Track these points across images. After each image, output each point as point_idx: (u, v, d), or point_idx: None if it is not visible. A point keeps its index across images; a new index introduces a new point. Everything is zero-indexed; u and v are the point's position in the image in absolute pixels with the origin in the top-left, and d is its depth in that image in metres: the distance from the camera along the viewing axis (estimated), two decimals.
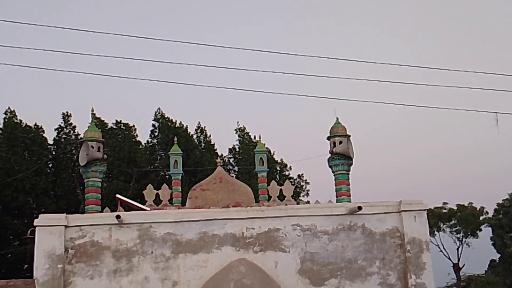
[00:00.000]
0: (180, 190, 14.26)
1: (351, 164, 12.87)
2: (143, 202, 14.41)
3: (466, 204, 41.22)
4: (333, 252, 11.26)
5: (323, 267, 11.20)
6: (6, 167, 26.63)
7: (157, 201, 14.15)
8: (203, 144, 31.67)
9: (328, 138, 13.09)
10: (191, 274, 11.01)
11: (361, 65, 15.65)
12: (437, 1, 64.27)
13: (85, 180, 12.56)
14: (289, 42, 55.80)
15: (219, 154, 31.71)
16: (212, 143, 32.11)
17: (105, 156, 12.82)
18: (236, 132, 33.27)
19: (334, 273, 11.19)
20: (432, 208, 37.28)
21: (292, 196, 13.75)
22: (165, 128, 30.95)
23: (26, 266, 24.69)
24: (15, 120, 28.92)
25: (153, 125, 31.71)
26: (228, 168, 31.05)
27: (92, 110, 14.56)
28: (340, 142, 12.82)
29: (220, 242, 11.20)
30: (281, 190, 13.84)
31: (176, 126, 31.17)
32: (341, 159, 12.69)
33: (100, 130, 13.62)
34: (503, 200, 41.23)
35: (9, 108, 29.25)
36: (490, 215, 41.37)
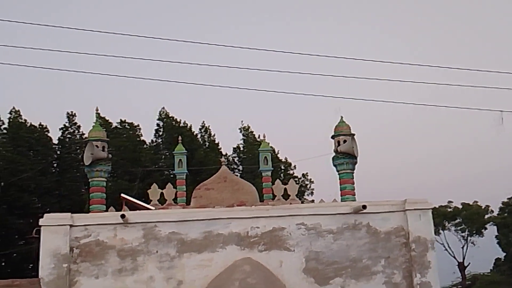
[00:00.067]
0: (185, 189, 14.29)
1: (356, 163, 12.87)
2: (148, 201, 14.44)
3: (471, 203, 41.18)
4: (337, 251, 11.24)
5: (327, 266, 11.18)
6: (11, 166, 26.73)
7: (162, 200, 14.18)
8: (207, 144, 31.73)
9: (333, 137, 13.09)
10: (196, 273, 11.02)
11: (364, 64, 15.62)
12: (439, 0, 64.15)
13: (89, 180, 12.58)
14: (292, 41, 55.81)
15: (224, 153, 31.76)
16: (216, 142, 32.16)
17: (110, 155, 12.84)
18: (241, 131, 33.33)
19: (339, 272, 11.17)
20: (437, 207, 37.23)
21: (296, 195, 13.77)
22: (170, 128, 31.01)
23: (31, 265, 24.75)
24: (20, 120, 29.03)
25: (158, 125, 31.78)
26: (232, 167, 31.09)
27: (97, 110, 14.61)
28: (345, 141, 12.81)
29: (224, 241, 11.20)
30: (285, 189, 13.85)
31: (181, 125, 31.23)
32: (345, 158, 12.69)
33: (104, 129, 13.66)
34: (508, 198, 41.13)
35: (13, 108, 29.39)
36: (495, 213, 41.30)
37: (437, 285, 11.23)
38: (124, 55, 14.63)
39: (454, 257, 39.93)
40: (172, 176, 17.32)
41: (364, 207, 11.24)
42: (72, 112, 30.23)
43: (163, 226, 11.20)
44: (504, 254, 40.54)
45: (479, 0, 63.55)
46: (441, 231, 39.74)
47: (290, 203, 12.54)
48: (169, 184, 14.16)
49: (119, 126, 30.63)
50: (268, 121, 47.63)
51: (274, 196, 14.07)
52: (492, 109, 16.16)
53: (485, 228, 41.00)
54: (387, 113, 58.95)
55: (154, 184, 14.40)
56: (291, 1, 63.40)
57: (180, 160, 14.49)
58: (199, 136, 31.94)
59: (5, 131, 29.00)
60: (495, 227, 40.80)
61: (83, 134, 28.33)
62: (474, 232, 40.67)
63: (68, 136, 29.89)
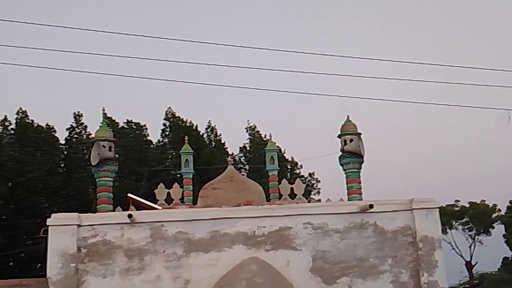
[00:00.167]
0: (191, 189, 14.32)
1: (362, 162, 12.85)
2: (155, 201, 14.47)
3: (478, 202, 41.01)
4: (344, 251, 11.23)
5: (334, 266, 11.17)
6: (18, 167, 26.85)
7: (169, 200, 14.20)
8: (213, 143, 31.76)
9: (339, 136, 13.07)
10: (203, 273, 11.03)
11: (370, 64, 15.61)
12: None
13: (96, 180, 12.62)
14: (298, 41, 55.68)
15: (230, 152, 31.78)
16: (223, 142, 32.19)
17: (117, 155, 12.87)
18: (247, 131, 33.33)
19: (346, 272, 11.16)
20: (444, 205, 37.09)
21: (303, 195, 13.77)
22: (176, 127, 31.06)
23: (39, 265, 24.83)
24: (27, 121, 29.15)
25: (164, 125, 31.83)
26: (238, 166, 31.10)
27: (103, 110, 14.64)
28: (351, 140, 12.80)
29: (231, 240, 11.21)
30: (292, 188, 13.85)
31: (187, 125, 31.28)
32: (352, 157, 12.67)
33: (111, 129, 13.68)
34: None
35: (20, 108, 29.50)
36: (502, 212, 41.12)
37: (444, 284, 11.20)
38: (130, 55, 14.67)
39: (462, 256, 39.81)
40: (178, 175, 17.35)
41: (371, 206, 11.23)
42: (79, 112, 30.34)
43: (170, 225, 11.23)
44: None
45: None
46: (448, 230, 39.59)
47: (297, 203, 12.54)
48: (175, 183, 14.18)
49: (125, 126, 30.71)
50: (274, 120, 47.58)
51: (281, 195, 14.07)
52: (499, 108, 16.12)
53: (493, 227, 40.83)
54: (393, 112, 58.82)
55: (161, 183, 14.43)
56: (297, 1, 63.37)
57: (187, 159, 14.52)
58: (205, 135, 31.98)
59: (12, 132, 29.13)
60: (502, 226, 40.62)
61: (90, 134, 28.42)
62: (482, 231, 40.51)
63: (75, 136, 29.99)
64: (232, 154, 31.94)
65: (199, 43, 14.85)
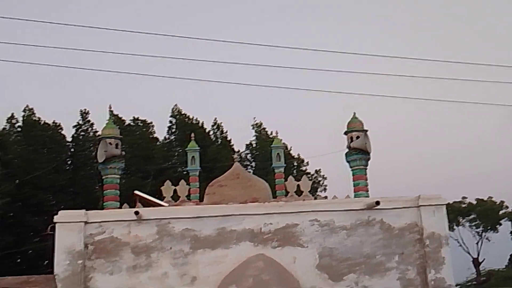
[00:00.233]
0: (198, 186, 14.29)
1: (369, 159, 12.82)
2: (161, 198, 14.46)
3: (485, 199, 40.90)
4: (351, 247, 11.22)
5: (341, 263, 11.16)
6: (26, 164, 26.96)
7: (175, 197, 14.19)
8: (219, 140, 31.77)
9: (345, 133, 13.05)
10: (210, 270, 11.05)
11: (377, 61, 15.58)
12: None
13: (103, 177, 12.64)
14: (305, 38, 55.64)
15: (236, 150, 31.80)
16: (229, 139, 32.19)
17: (123, 153, 12.88)
18: (253, 128, 33.33)
19: (353, 268, 11.15)
20: (451, 202, 37.02)
21: (309, 192, 13.72)
22: (182, 125, 31.10)
23: (46, 262, 24.92)
24: (34, 118, 29.24)
25: (170, 122, 31.88)
26: (245, 164, 31.12)
27: (110, 108, 14.66)
28: (357, 137, 12.76)
29: (238, 237, 11.22)
30: (298, 185, 13.81)
31: (193, 122, 31.30)
32: (358, 154, 12.64)
33: (117, 127, 13.68)
34: None
35: (27, 106, 29.60)
36: (509, 209, 40.99)
37: (451, 281, 11.17)
38: (137, 53, 14.70)
39: (469, 253, 39.75)
40: (185, 173, 17.35)
41: (378, 203, 11.21)
42: (85, 110, 30.42)
43: (176, 222, 11.25)
44: None
45: None
46: (455, 227, 39.52)
47: (303, 200, 12.51)
48: (182, 181, 14.17)
49: (132, 123, 30.78)
50: (280, 117, 47.54)
51: (287, 192, 14.02)
52: (507, 104, 16.06)
53: (500, 224, 40.72)
54: (400, 109, 58.73)
55: (167, 181, 14.41)
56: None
57: (193, 157, 14.49)
58: (211, 133, 32.00)
59: (19, 129, 29.22)
60: (509, 223, 40.51)
61: (97, 131, 28.50)
62: (489, 228, 40.41)
63: (82, 133, 30.07)
64: (239, 151, 31.96)
65: (205, 41, 14.87)
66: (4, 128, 28.88)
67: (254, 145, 32.69)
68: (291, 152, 31.32)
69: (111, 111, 15.60)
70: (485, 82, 16.51)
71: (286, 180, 13.89)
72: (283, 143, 15.24)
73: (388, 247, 11.26)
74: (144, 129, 30.76)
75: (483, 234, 40.48)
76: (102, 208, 12.34)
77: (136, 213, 11.13)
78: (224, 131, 32.39)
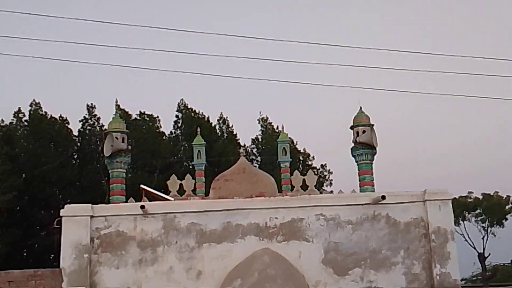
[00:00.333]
0: (204, 181, 14.31)
1: (375, 153, 12.80)
2: (167, 192, 14.50)
3: (491, 194, 40.74)
4: (357, 242, 11.23)
5: (347, 257, 11.18)
6: (32, 159, 27.04)
7: (181, 191, 14.22)
8: (225, 135, 31.76)
9: (352, 128, 13.03)
10: (215, 264, 11.08)
11: (384, 55, 15.53)
12: None
13: (110, 171, 12.68)
14: (311, 32, 55.51)
15: (242, 144, 31.77)
16: (235, 133, 32.17)
17: (130, 147, 12.91)
18: (259, 122, 33.29)
19: (358, 263, 11.16)
20: (457, 197, 36.89)
21: (315, 186, 13.71)
22: (189, 119, 31.08)
23: (53, 256, 25.06)
24: (40, 113, 29.28)
25: (177, 116, 31.85)
26: (251, 158, 31.10)
27: (116, 102, 14.70)
28: (364, 132, 12.75)
29: (243, 232, 11.25)
30: (304, 180, 13.81)
31: (199, 117, 31.29)
32: (364, 149, 12.63)
33: (124, 121, 13.72)
34: None
35: (34, 100, 29.64)
36: None
37: (457, 276, 11.17)
38: (143, 47, 14.72)
39: (475, 248, 39.58)
40: (191, 167, 17.38)
41: (384, 198, 11.20)
42: (92, 104, 30.42)
43: (182, 217, 11.28)
44: None
45: None
46: (461, 222, 39.38)
47: (309, 194, 12.51)
48: (188, 175, 14.20)
49: (138, 117, 30.78)
50: (286, 112, 47.50)
51: (293, 187, 14.03)
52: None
53: (506, 219, 40.54)
54: (406, 103, 58.58)
55: (173, 175, 14.45)
56: None
57: (199, 151, 14.51)
58: (217, 127, 31.98)
59: (26, 124, 29.29)
60: None
61: (103, 126, 28.51)
62: (495, 223, 40.24)
63: (88, 128, 30.09)
64: (244, 145, 31.92)
65: (212, 35, 14.86)
66: (11, 123, 28.94)
67: (260, 140, 32.65)
68: (297, 146, 31.27)
69: (117, 106, 15.64)
70: (493, 76, 16.44)
71: (292, 174, 13.89)
72: (289, 138, 15.25)
73: (393, 242, 11.26)
74: (151, 124, 30.77)
75: (489, 229, 40.34)
76: (109, 202, 12.39)
77: (142, 207, 11.17)
78: (230, 126, 32.39)
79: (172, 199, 13.29)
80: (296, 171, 14.34)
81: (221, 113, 32.59)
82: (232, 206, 11.42)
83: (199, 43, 16.94)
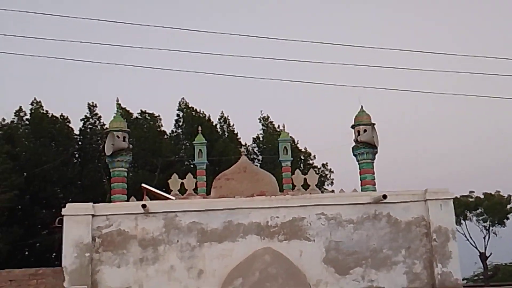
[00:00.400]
0: (205, 180, 14.31)
1: (376, 152, 12.80)
2: (168, 191, 14.51)
3: (493, 193, 40.71)
4: (358, 241, 11.23)
5: (348, 256, 11.18)
6: (34, 157, 27.06)
7: (182, 190, 14.23)
8: (226, 134, 31.75)
9: (353, 127, 13.03)
10: (217, 263, 11.09)
11: (385, 53, 15.53)
12: None
13: (111, 170, 12.68)
14: (312, 31, 55.50)
15: (243, 143, 31.76)
16: (236, 132, 32.17)
17: (131, 146, 12.92)
18: (260, 121, 33.28)
19: (359, 262, 11.16)
20: (459, 196, 36.87)
21: (316, 185, 13.72)
22: (190, 118, 31.08)
23: (54, 255, 25.10)
24: (41, 111, 29.29)
25: (178, 115, 31.85)
26: (252, 157, 31.08)
27: (117, 101, 14.71)
28: (365, 131, 12.75)
29: (245, 231, 11.25)
30: (305, 179, 13.81)
31: (200, 116, 31.29)
32: (365, 148, 12.63)
33: (125, 120, 13.73)
34: None
35: (35, 99, 29.65)
36: None
37: (458, 275, 11.17)
38: (144, 46, 14.72)
39: (476, 248, 39.56)
40: (192, 166, 17.41)
41: (385, 197, 11.20)
42: (93, 103, 30.41)
43: (184, 216, 11.28)
44: None
45: None
46: (462, 221, 39.35)
47: (310, 193, 12.52)
48: (189, 174, 14.21)
49: (139, 116, 30.79)
50: (287, 111, 47.51)
51: (294, 186, 14.04)
52: None
53: (507, 218, 40.51)
54: (407, 102, 58.56)
55: (175, 174, 14.45)
56: None
57: (200, 150, 14.51)
58: (218, 126, 31.98)
59: (27, 122, 29.31)
60: None
61: (104, 124, 28.51)
62: (496, 222, 40.20)
63: (89, 127, 30.10)
64: (245, 144, 31.91)
65: (212, 34, 14.86)
66: (12, 121, 28.96)
67: (261, 139, 32.64)
68: (298, 145, 31.26)
69: (118, 104, 15.65)
70: (494, 75, 16.42)
71: (293, 173, 13.90)
72: (290, 137, 15.23)
73: (395, 241, 11.26)
74: (152, 123, 30.77)
75: (491, 228, 40.31)
76: (110, 201, 12.39)
77: (143, 206, 11.17)
78: (231, 125, 32.38)
79: (173, 198, 13.30)
80: (297, 170, 14.34)
81: (222, 112, 32.59)
82: (233, 205, 11.42)
83: (200, 42, 16.93)
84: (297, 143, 31.22)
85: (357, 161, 12.85)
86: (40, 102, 29.57)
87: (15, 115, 29.29)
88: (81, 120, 30.05)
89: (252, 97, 51.67)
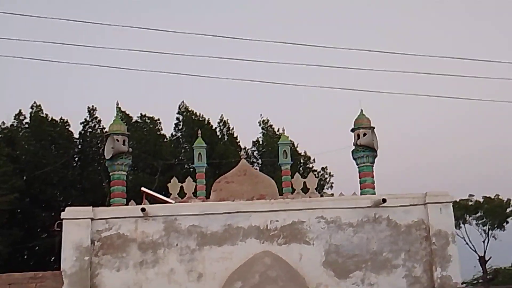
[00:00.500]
0: (204, 183, 14.36)
1: (376, 156, 12.83)
2: (168, 194, 14.53)
3: (492, 196, 40.72)
4: (358, 245, 11.22)
5: (348, 259, 11.17)
6: (34, 160, 27.09)
7: (182, 193, 14.25)
8: (226, 137, 31.79)
9: (352, 130, 13.05)
10: (216, 266, 11.08)
11: (385, 57, 15.54)
12: None
13: (110, 173, 12.70)
14: (311, 34, 55.52)
15: (243, 147, 31.80)
16: (235, 136, 32.21)
17: (130, 149, 12.95)
18: (260, 125, 33.32)
19: (359, 265, 11.15)
20: (458, 200, 36.85)
21: (316, 189, 13.77)
22: (189, 121, 31.13)
23: (53, 258, 25.08)
24: (41, 115, 29.33)
25: (177, 118, 31.89)
26: (251, 160, 31.12)
27: (117, 104, 14.77)
28: (365, 134, 12.78)
29: (244, 234, 11.24)
30: (304, 182, 13.85)
31: (200, 119, 31.32)
32: (365, 151, 12.66)
33: (125, 123, 13.78)
34: None
35: (35, 102, 29.69)
36: None
37: (458, 279, 11.15)
38: (144, 49, 14.74)
39: (475, 251, 39.53)
40: (192, 169, 17.41)
41: (384, 200, 11.20)
42: (93, 106, 30.48)
43: (183, 219, 11.27)
44: None
45: None
46: (462, 225, 39.33)
47: (310, 197, 12.54)
48: (189, 177, 14.25)
49: (139, 120, 30.83)
50: (287, 114, 47.53)
51: (294, 189, 14.07)
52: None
53: (507, 222, 40.50)
54: (407, 106, 58.56)
55: (174, 177, 14.49)
56: None
57: (200, 153, 14.57)
58: (218, 130, 32.02)
59: (27, 126, 29.35)
60: None
61: (104, 128, 28.54)
62: (496, 226, 40.20)
63: (89, 130, 30.15)
64: (245, 148, 31.96)
65: (212, 37, 14.88)
66: (12, 125, 29.02)
67: (261, 142, 32.68)
68: (297, 149, 31.29)
69: (118, 108, 15.69)
70: (495, 79, 16.46)
71: (292, 177, 13.94)
72: (290, 140, 15.28)
73: (394, 244, 11.25)
74: (151, 126, 30.81)
75: (490, 232, 40.30)
76: (110, 204, 12.40)
77: (143, 210, 11.17)
78: (231, 128, 32.42)
79: (173, 201, 13.31)
80: (297, 173, 14.39)
81: (222, 115, 32.64)
82: (233, 208, 11.41)
83: (200, 46, 16.95)
84: (297, 146, 31.26)
85: (357, 164, 12.87)
86: (40, 105, 29.62)
87: (15, 119, 29.34)
88: (81, 123, 30.10)
89: (252, 101, 51.67)
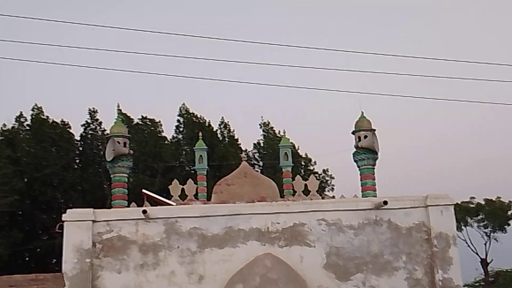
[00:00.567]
0: (205, 185, 14.35)
1: (377, 158, 12.82)
2: (169, 197, 14.53)
3: (494, 199, 40.69)
4: (358, 247, 11.21)
5: (348, 262, 11.16)
6: (35, 162, 27.11)
7: (183, 196, 14.24)
8: (227, 139, 31.79)
9: (353, 133, 13.05)
10: (217, 268, 11.07)
11: (386, 59, 15.55)
12: None
13: (111, 175, 12.70)
14: (312, 36, 55.57)
15: (244, 149, 31.78)
16: (236, 138, 32.21)
17: (131, 151, 12.95)
18: (261, 127, 33.32)
19: (360, 268, 11.14)
20: (459, 202, 36.81)
21: (317, 191, 13.75)
22: (190, 124, 31.13)
23: (55, 260, 25.08)
24: (42, 117, 29.36)
25: (178, 121, 31.90)
26: (252, 163, 31.10)
27: (118, 106, 14.77)
28: (365, 137, 12.78)
29: (245, 236, 11.23)
30: (306, 184, 13.84)
31: (201, 121, 31.34)
32: (366, 154, 12.65)
33: (126, 125, 13.79)
34: None
35: (36, 104, 29.71)
36: None
37: (459, 282, 11.14)
38: (144, 51, 14.75)
39: (477, 254, 39.50)
40: (193, 171, 17.40)
41: (385, 202, 11.19)
42: (93, 108, 30.50)
43: (184, 221, 11.27)
44: None
45: None
46: (463, 227, 39.31)
47: (311, 199, 12.53)
48: (190, 179, 14.24)
49: (140, 122, 30.84)
50: (288, 116, 47.53)
51: (295, 191, 14.06)
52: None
53: (508, 224, 40.47)
54: (408, 108, 58.56)
55: (175, 179, 14.49)
56: None
57: (201, 155, 14.56)
58: (218, 132, 32.02)
59: (28, 128, 29.37)
60: None
61: (105, 130, 28.55)
62: (497, 228, 40.17)
63: (90, 132, 30.16)
64: (246, 150, 31.93)
65: (212, 39, 14.87)
66: (13, 127, 29.05)
67: (261, 144, 32.67)
68: (298, 151, 31.28)
69: (119, 110, 15.70)
70: (496, 82, 16.45)
71: (293, 179, 13.93)
72: (291, 142, 15.28)
73: (395, 247, 11.24)
74: (152, 128, 30.82)
75: (491, 234, 40.26)
76: (110, 206, 12.40)
77: (144, 212, 11.17)
78: (232, 130, 32.42)
79: (174, 203, 13.31)
80: (298, 176, 14.38)
81: (223, 117, 32.64)
82: (234, 210, 11.41)
83: (200, 48, 16.95)
84: (298, 148, 31.24)
85: (358, 166, 12.86)
86: (41, 107, 29.64)
87: (16, 121, 29.37)
88: (82, 125, 30.13)
89: (253, 103, 51.70)
